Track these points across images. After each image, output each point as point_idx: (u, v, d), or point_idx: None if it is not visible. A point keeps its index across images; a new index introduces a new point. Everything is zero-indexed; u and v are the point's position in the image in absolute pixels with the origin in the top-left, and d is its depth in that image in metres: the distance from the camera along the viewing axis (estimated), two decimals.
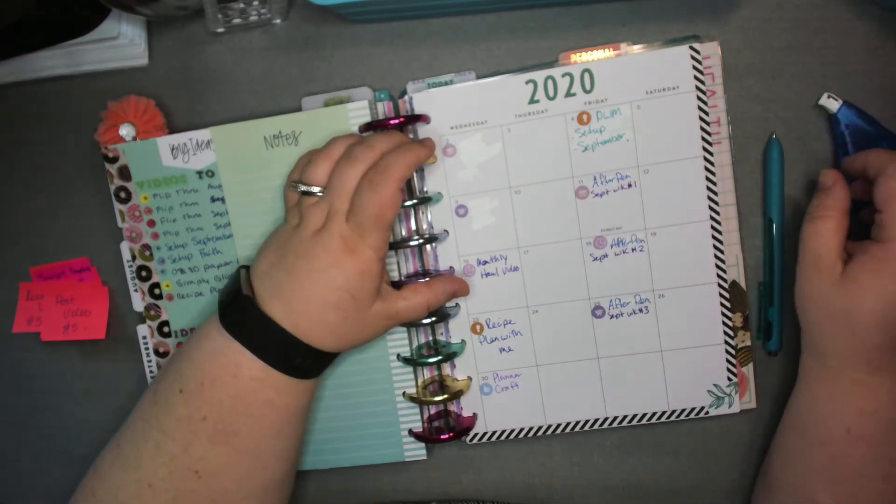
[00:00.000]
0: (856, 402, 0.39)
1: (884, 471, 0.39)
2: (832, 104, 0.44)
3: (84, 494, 0.42)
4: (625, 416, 0.47)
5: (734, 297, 0.46)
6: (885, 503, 0.39)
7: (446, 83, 0.47)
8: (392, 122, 0.45)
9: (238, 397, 0.40)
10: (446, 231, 0.47)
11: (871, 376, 0.39)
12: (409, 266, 0.47)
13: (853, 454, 0.39)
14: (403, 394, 0.48)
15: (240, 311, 0.40)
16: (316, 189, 0.42)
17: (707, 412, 0.47)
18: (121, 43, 0.50)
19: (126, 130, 0.48)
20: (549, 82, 0.45)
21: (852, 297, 0.38)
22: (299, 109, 0.49)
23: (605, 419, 0.47)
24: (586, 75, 0.45)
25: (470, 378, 0.48)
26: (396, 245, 0.46)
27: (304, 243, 0.41)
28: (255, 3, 0.48)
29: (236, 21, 0.49)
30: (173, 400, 0.41)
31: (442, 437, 0.47)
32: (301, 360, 0.41)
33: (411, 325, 0.47)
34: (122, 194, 0.49)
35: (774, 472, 0.44)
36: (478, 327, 0.48)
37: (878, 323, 0.38)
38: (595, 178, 0.45)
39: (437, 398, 0.47)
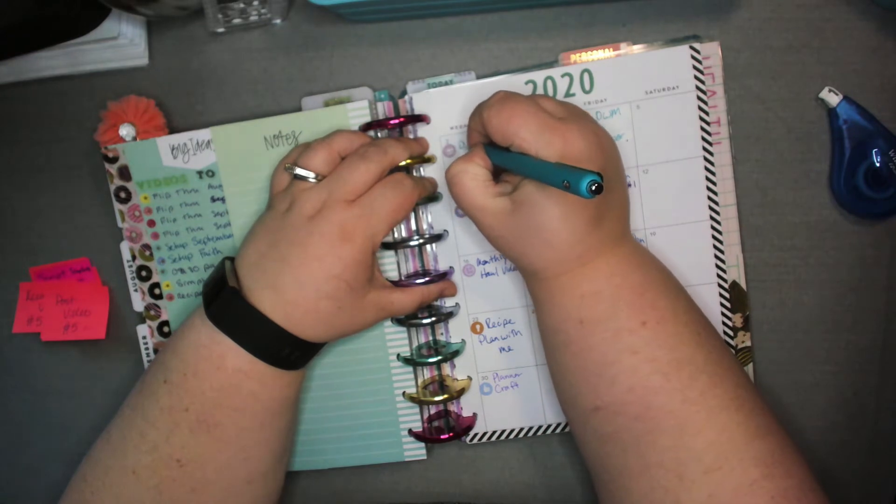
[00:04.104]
0: (577, 291, 0.38)
1: (626, 344, 0.37)
2: (832, 98, 0.44)
3: (77, 480, 0.42)
4: None
5: (734, 297, 0.46)
6: (642, 379, 0.37)
7: (446, 83, 0.47)
8: (392, 122, 0.45)
9: (221, 389, 0.40)
10: (446, 231, 0.47)
11: (583, 267, 0.38)
12: (409, 266, 0.47)
13: (594, 343, 0.38)
14: (403, 394, 0.48)
15: (225, 304, 0.40)
16: (311, 175, 0.42)
17: None
18: (121, 43, 0.50)
19: (126, 130, 0.48)
20: (549, 83, 0.45)
21: (530, 216, 0.38)
22: (299, 109, 0.49)
23: None
24: (586, 75, 0.45)
25: (470, 378, 0.48)
26: (396, 245, 0.46)
27: (297, 230, 0.41)
28: (255, 3, 0.48)
29: (236, 21, 0.49)
30: (158, 390, 0.41)
31: (442, 437, 0.47)
32: (289, 351, 0.41)
33: (412, 324, 0.47)
34: (122, 194, 0.49)
35: (558, 395, 0.42)
36: (478, 327, 0.48)
37: (566, 226, 0.37)
38: None
39: (437, 398, 0.47)
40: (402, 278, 0.47)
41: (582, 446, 0.41)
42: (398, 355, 0.48)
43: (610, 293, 0.38)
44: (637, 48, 0.45)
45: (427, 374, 0.48)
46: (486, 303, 0.47)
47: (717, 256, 0.45)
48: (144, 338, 0.50)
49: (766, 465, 0.35)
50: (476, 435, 0.48)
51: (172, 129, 0.50)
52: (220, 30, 0.49)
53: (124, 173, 0.49)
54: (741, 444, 0.35)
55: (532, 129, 0.37)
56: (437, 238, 0.47)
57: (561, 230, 0.37)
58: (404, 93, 0.48)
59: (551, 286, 0.39)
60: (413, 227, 0.47)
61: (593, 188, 0.30)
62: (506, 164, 0.40)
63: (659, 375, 0.36)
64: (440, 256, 0.47)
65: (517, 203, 0.38)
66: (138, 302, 0.50)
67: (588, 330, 0.38)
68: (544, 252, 0.38)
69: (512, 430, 0.48)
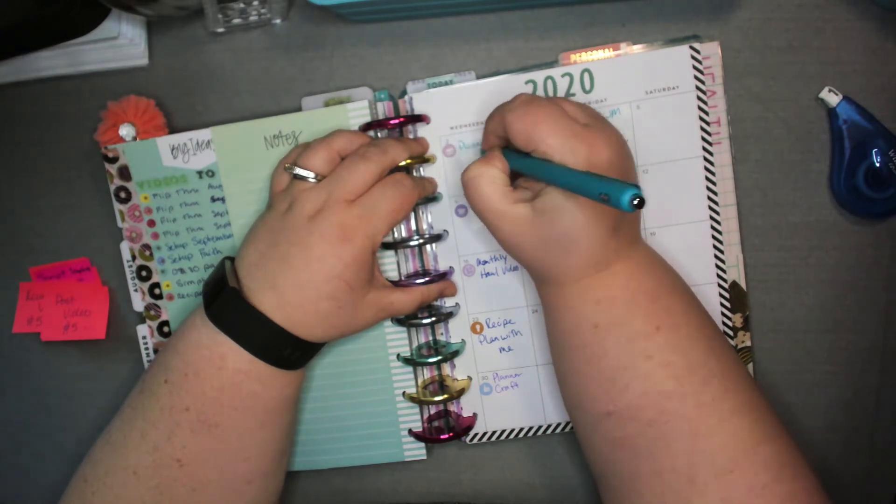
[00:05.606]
0: (592, 296, 0.38)
1: (640, 348, 0.37)
2: (832, 98, 0.44)
3: (77, 480, 0.42)
4: None
5: (734, 297, 0.46)
6: (656, 384, 0.36)
7: (446, 83, 0.47)
8: (392, 122, 0.45)
9: (222, 389, 0.40)
10: (446, 231, 0.47)
11: (599, 272, 0.38)
12: (409, 266, 0.47)
13: (608, 347, 0.38)
14: (403, 394, 0.48)
15: (226, 304, 0.40)
16: (311, 175, 0.42)
17: None
18: (121, 43, 0.50)
19: (126, 130, 0.48)
20: (549, 82, 0.45)
21: (553, 225, 0.37)
22: (299, 109, 0.49)
23: None
24: (586, 75, 0.45)
25: (470, 378, 0.48)
26: (396, 245, 0.46)
27: (297, 230, 0.41)
28: (255, 3, 0.48)
29: (236, 21, 0.49)
30: (158, 390, 0.41)
31: (442, 437, 0.47)
32: (290, 351, 0.41)
33: (412, 324, 0.47)
34: (122, 194, 0.49)
35: (565, 399, 0.42)
36: (478, 327, 0.48)
37: (589, 234, 0.37)
38: None
39: (437, 398, 0.47)
40: (402, 278, 0.47)
41: (589, 451, 0.40)
42: (398, 355, 0.48)
43: (625, 298, 0.38)
44: (637, 48, 0.45)
45: (427, 374, 0.48)
46: (486, 303, 0.47)
47: (717, 256, 0.45)
48: (144, 338, 0.50)
49: (776, 469, 0.35)
50: (476, 435, 0.48)
51: (172, 129, 0.50)
52: (220, 30, 0.49)
53: (124, 173, 0.49)
54: (751, 448, 0.35)
55: (559, 136, 0.37)
56: (437, 238, 0.47)
57: (583, 238, 0.37)
58: (404, 93, 0.48)
59: (566, 292, 0.39)
60: (413, 227, 0.47)
61: (635, 202, 0.30)
62: (528, 170, 0.39)
63: (673, 380, 0.36)
64: (440, 256, 0.47)
65: (539, 211, 0.38)
66: (138, 302, 0.50)
67: (602, 335, 0.38)
68: (564, 260, 0.38)
69: (512, 430, 0.48)
